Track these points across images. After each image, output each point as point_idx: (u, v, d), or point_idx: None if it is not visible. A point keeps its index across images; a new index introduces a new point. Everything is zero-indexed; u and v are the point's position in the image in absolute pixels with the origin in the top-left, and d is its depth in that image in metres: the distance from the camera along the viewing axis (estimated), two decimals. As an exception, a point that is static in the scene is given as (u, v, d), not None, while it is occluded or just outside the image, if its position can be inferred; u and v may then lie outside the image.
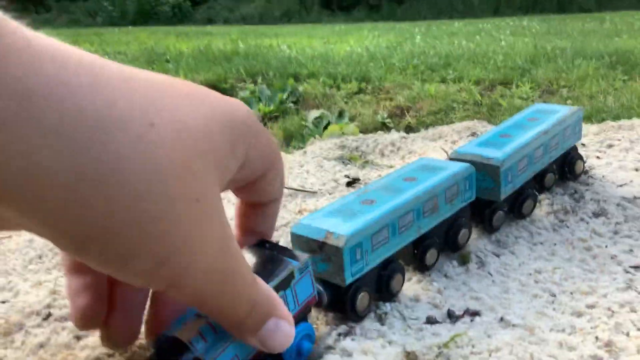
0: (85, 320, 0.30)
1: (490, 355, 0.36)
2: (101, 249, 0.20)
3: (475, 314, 0.41)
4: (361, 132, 1.38)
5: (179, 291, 0.24)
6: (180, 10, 6.87)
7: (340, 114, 1.64)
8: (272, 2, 6.95)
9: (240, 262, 0.26)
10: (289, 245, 0.40)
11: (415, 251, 0.45)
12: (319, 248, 0.38)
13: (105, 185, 0.19)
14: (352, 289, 0.39)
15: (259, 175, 0.29)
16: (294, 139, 1.37)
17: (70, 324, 0.40)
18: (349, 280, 0.38)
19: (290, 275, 0.34)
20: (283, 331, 0.28)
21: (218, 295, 0.25)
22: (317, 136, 1.27)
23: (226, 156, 0.24)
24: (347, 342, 0.36)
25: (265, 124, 1.44)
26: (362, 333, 0.38)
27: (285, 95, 1.71)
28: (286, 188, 0.67)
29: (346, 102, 1.84)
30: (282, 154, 0.89)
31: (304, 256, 0.35)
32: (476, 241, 0.50)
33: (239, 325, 0.27)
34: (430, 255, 0.46)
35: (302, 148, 1.00)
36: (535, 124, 0.55)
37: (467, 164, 0.48)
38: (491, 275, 0.46)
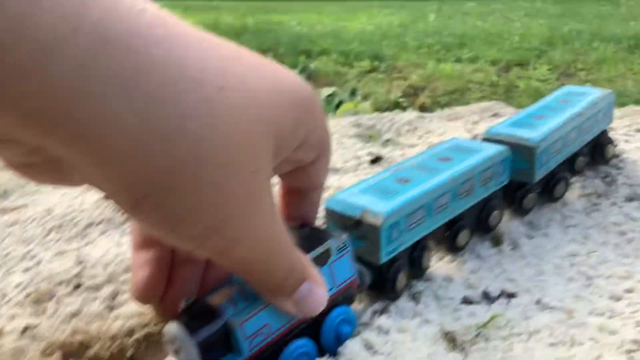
0: (143, 293, 0.29)
1: (530, 337, 0.35)
2: (156, 207, 0.20)
3: (511, 295, 0.40)
4: (375, 110, 1.36)
5: (225, 259, 0.24)
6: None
7: (353, 92, 1.62)
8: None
9: (283, 229, 0.26)
10: (322, 221, 0.39)
11: (447, 232, 0.44)
12: (353, 225, 0.37)
13: (170, 142, 0.19)
14: (393, 269, 0.38)
15: (311, 160, 0.29)
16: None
17: (101, 294, 0.40)
18: (383, 259, 0.37)
19: (327, 252, 0.33)
20: (316, 295, 0.28)
21: (262, 261, 0.25)
22: (330, 114, 1.25)
23: (287, 133, 0.24)
24: (382, 320, 0.36)
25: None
26: (397, 312, 0.38)
27: (296, 72, 1.70)
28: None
29: (359, 81, 1.82)
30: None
31: (342, 236, 0.34)
32: (508, 223, 0.50)
33: (275, 289, 0.28)
34: (463, 236, 0.45)
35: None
36: (567, 106, 0.54)
37: (503, 147, 0.47)
38: (525, 257, 0.45)
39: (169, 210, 0.20)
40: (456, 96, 1.61)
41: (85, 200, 0.61)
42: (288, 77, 0.25)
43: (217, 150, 0.20)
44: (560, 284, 0.41)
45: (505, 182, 0.47)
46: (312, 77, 1.90)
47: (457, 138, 0.50)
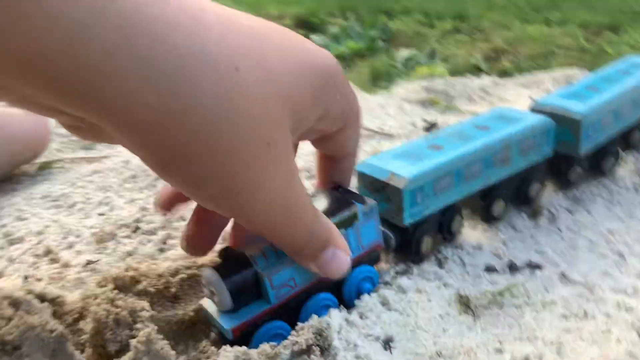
0: (189, 247, 0.33)
1: (544, 307, 0.36)
2: (178, 171, 0.23)
3: (536, 266, 0.41)
4: (452, 74, 1.34)
5: (243, 220, 0.26)
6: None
7: (432, 55, 1.59)
8: None
9: (302, 197, 0.28)
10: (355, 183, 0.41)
11: (482, 201, 0.45)
12: (381, 188, 0.39)
13: (186, 117, 0.21)
14: (418, 232, 0.40)
15: (337, 129, 0.30)
16: (381, 79, 1.36)
17: (155, 237, 0.44)
18: (407, 221, 0.39)
19: (353, 216, 0.35)
20: (339, 259, 0.30)
21: (280, 226, 0.27)
22: (404, 77, 1.25)
23: (306, 106, 0.26)
24: (403, 280, 0.38)
25: (353, 62, 1.43)
26: (420, 274, 0.40)
27: (375, 33, 1.68)
28: (363, 129, 0.68)
29: (439, 42, 1.79)
30: (365, 94, 0.89)
31: (370, 201, 0.36)
32: (551, 196, 0.50)
33: (298, 252, 0.30)
34: (498, 206, 0.46)
35: (387, 88, 1.00)
36: (626, 78, 0.52)
37: (546, 117, 0.46)
38: (560, 231, 0.45)
39: (189, 174, 0.23)
40: (540, 61, 1.54)
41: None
42: (310, 54, 0.26)
43: (231, 125, 0.22)
44: (590, 260, 0.41)
45: (549, 155, 0.47)
46: (391, 37, 1.88)
47: (502, 107, 0.50)
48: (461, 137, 0.44)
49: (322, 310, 0.35)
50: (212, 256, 0.35)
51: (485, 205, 0.45)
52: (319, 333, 0.30)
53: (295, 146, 0.34)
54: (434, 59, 1.58)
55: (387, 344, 0.33)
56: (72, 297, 0.34)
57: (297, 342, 0.29)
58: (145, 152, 0.22)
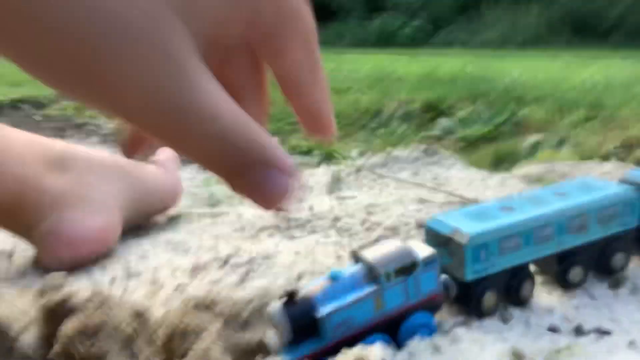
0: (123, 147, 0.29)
1: (602, 370, 0.35)
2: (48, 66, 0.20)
3: (604, 332, 0.40)
4: (580, 160, 1.31)
5: (134, 124, 0.23)
6: (423, 33, 7.07)
7: (561, 142, 1.57)
8: (517, 27, 6.75)
9: (205, 99, 0.23)
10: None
11: (559, 266, 0.45)
12: (445, 242, 0.41)
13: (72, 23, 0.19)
14: (480, 287, 0.42)
15: (279, 39, 0.25)
16: (504, 162, 1.36)
17: (240, 270, 0.50)
18: (469, 276, 0.40)
19: (413, 265, 0.38)
20: (275, 182, 0.23)
21: (176, 131, 0.22)
22: (528, 160, 1.24)
23: (216, 16, 0.23)
24: (460, 330, 0.39)
25: (478, 145, 1.45)
26: (480, 327, 0.41)
27: (503, 118, 1.69)
28: (451, 194, 0.70)
29: (571, 130, 1.75)
30: (473, 170, 0.91)
31: (431, 251, 0.39)
32: (638, 268, 0.48)
33: (218, 170, 0.23)
34: (575, 273, 0.45)
35: (508, 170, 1.00)
36: None
37: (631, 187, 0.46)
38: (642, 303, 0.44)
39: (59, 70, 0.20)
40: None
41: (263, 214, 0.73)
42: None
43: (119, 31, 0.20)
44: (667, 332, 0.40)
45: (632, 226, 0.46)
46: (520, 124, 1.88)
47: (589, 177, 0.50)
48: (535, 202, 0.45)
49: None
50: (280, 292, 0.39)
51: (562, 270, 0.45)
52: (359, 358, 0.33)
53: (254, 64, 0.27)
54: (563, 145, 1.55)
55: (430, 382, 0.34)
56: (158, 311, 0.40)
57: (336, 362, 0.32)
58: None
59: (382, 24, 7.25)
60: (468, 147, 1.48)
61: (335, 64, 3.15)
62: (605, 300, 0.44)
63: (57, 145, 0.69)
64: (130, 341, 0.32)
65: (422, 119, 1.73)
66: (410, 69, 2.75)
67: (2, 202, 0.59)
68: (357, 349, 0.34)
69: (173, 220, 0.78)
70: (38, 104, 1.81)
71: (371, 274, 0.38)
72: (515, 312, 0.43)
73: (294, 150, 1.37)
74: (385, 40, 6.83)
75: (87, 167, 0.69)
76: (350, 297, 0.36)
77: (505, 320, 0.42)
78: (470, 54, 4.27)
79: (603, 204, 0.45)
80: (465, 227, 0.41)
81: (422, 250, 0.39)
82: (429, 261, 0.38)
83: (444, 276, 0.42)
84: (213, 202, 0.89)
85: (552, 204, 0.44)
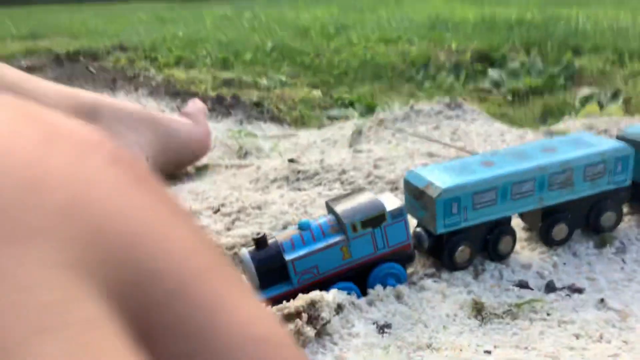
0: None
1: (559, 325, 0.36)
2: None
3: (576, 290, 0.40)
4: (629, 115, 1.26)
5: None
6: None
7: (615, 95, 1.50)
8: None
9: None
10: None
11: (542, 223, 0.45)
12: (419, 195, 0.42)
13: None
14: (452, 242, 0.42)
15: None
16: (552, 117, 1.31)
17: (227, 218, 0.52)
18: (440, 230, 0.41)
19: (381, 217, 0.39)
20: None
21: None
22: (574, 115, 1.20)
23: None
24: (427, 282, 0.40)
25: (527, 98, 1.41)
26: (448, 279, 0.41)
27: (557, 70, 1.63)
28: (461, 150, 0.69)
29: (626, 83, 1.67)
30: (508, 127, 0.89)
31: (399, 204, 0.40)
32: (630, 228, 0.47)
33: None
34: (558, 230, 0.45)
35: (553, 126, 0.97)
36: None
37: (623, 144, 0.45)
38: (624, 262, 0.43)
39: None
40: None
41: (278, 166, 0.76)
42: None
43: None
44: (640, 291, 0.39)
45: (624, 184, 0.45)
46: (574, 76, 1.80)
47: (584, 132, 0.49)
48: (519, 156, 0.44)
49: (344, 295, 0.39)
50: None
51: (545, 227, 0.45)
52: (312, 303, 0.34)
53: None
54: (617, 99, 1.48)
55: (383, 329, 0.36)
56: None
57: (287, 307, 0.34)
58: None
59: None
60: (517, 101, 1.44)
61: (389, 11, 3.07)
62: (587, 259, 0.44)
63: (88, 96, 0.73)
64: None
65: (472, 70, 1.69)
66: (467, 15, 2.65)
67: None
68: (313, 294, 0.35)
69: (201, 171, 0.82)
70: (94, 56, 1.89)
71: (338, 224, 0.39)
72: (489, 266, 0.43)
73: (337, 102, 1.37)
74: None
75: (116, 117, 0.72)
76: (317, 245, 0.38)
77: (477, 275, 0.43)
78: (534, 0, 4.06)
79: (591, 161, 0.44)
80: (438, 181, 0.41)
81: (391, 202, 0.40)
82: (396, 213, 0.39)
83: (417, 229, 0.43)
84: (241, 154, 0.92)
85: (535, 159, 0.43)
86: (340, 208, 0.39)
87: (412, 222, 0.44)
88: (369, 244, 0.39)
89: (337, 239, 0.39)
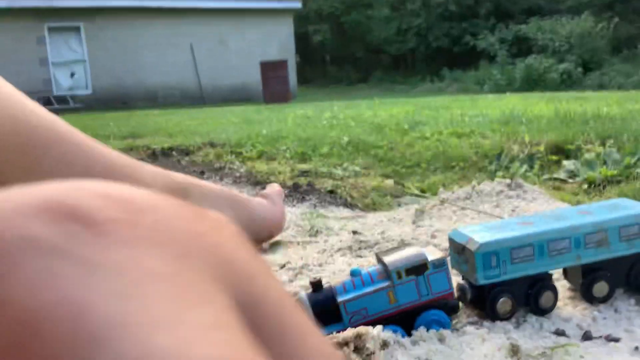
0: None
1: (589, 366, 0.38)
2: None
3: (613, 340, 0.42)
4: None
5: None
6: (570, 77, 6.77)
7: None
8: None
9: None
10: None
11: (583, 281, 0.48)
12: (461, 250, 0.47)
13: None
14: (494, 292, 0.46)
15: None
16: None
17: (291, 272, 0.58)
18: (480, 281, 0.45)
19: (424, 266, 0.44)
20: None
21: None
22: None
23: None
24: (469, 328, 0.44)
25: (603, 188, 1.41)
26: (491, 327, 0.45)
27: (634, 160, 1.62)
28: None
29: None
30: (569, 205, 0.91)
31: (440, 255, 0.45)
32: (674, 288, 0.49)
33: None
34: (599, 288, 0.48)
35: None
36: None
37: (659, 207, 0.48)
38: (665, 318, 0.45)
39: None
40: None
41: (345, 239, 0.81)
42: None
43: None
44: (676, 341, 0.41)
45: (663, 245, 0.47)
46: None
47: (623, 199, 0.52)
48: (556, 218, 0.48)
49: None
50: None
51: (586, 284, 0.48)
52: (359, 335, 0.39)
53: None
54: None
55: (423, 363, 0.40)
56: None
57: (336, 337, 0.39)
58: None
59: (528, 67, 7.09)
60: (592, 190, 1.44)
61: (463, 109, 3.16)
62: (627, 314, 0.46)
63: (179, 177, 0.83)
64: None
65: (546, 161, 1.71)
66: (542, 110, 2.69)
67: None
68: (360, 328, 0.40)
69: (274, 246, 0.89)
70: (186, 151, 2.08)
71: (385, 271, 0.44)
72: (531, 319, 0.46)
73: (408, 191, 1.43)
74: (532, 84, 6.65)
75: (202, 196, 0.82)
76: (366, 289, 0.43)
77: (518, 325, 0.46)
78: (614, 97, 4.04)
79: (625, 222, 0.47)
80: (477, 237, 0.46)
81: (434, 254, 0.45)
82: (438, 263, 0.44)
83: (460, 282, 0.47)
84: (313, 233, 0.99)
85: (569, 220, 0.47)
86: (387, 258, 0.45)
87: (458, 277, 0.48)
88: (413, 291, 0.44)
89: (383, 284, 0.44)
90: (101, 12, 10.27)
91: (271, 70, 7.99)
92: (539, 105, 3.17)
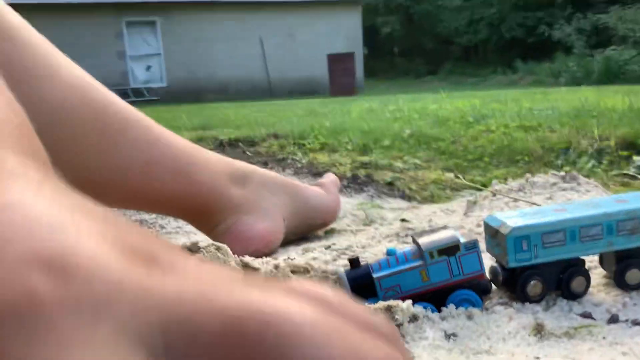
0: None
1: (610, 345, 0.40)
2: None
3: (639, 324, 0.43)
4: None
5: None
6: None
7: None
8: None
9: None
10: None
11: (616, 267, 0.49)
12: (495, 234, 0.49)
13: None
14: (525, 275, 0.48)
15: None
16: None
17: (334, 252, 0.62)
18: (511, 263, 0.47)
19: (456, 247, 0.47)
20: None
21: None
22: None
23: None
24: (498, 307, 0.47)
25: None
26: (519, 308, 0.47)
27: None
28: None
29: None
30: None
31: (472, 238, 0.47)
32: None
33: None
34: (632, 275, 0.49)
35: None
36: None
37: (697, 197, 0.48)
38: (697, 306, 0.46)
39: None
40: None
41: (395, 227, 0.84)
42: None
43: None
44: (703, 327, 0.42)
45: (700, 235, 0.48)
46: None
47: (664, 190, 0.52)
48: (591, 206, 0.50)
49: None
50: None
51: (619, 271, 0.49)
52: (389, 308, 0.43)
53: None
54: None
55: (450, 336, 0.43)
56: (264, 268, 0.54)
57: (368, 307, 0.43)
58: None
59: (607, 59, 6.78)
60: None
61: (533, 102, 3.09)
62: (660, 301, 0.47)
63: (241, 164, 0.89)
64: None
65: (616, 157, 1.66)
66: (616, 104, 2.59)
67: (195, 204, 0.79)
68: (390, 301, 0.44)
69: (328, 233, 0.93)
70: (251, 142, 2.16)
71: (419, 251, 0.47)
72: (561, 302, 0.48)
73: (469, 184, 1.44)
74: (611, 77, 6.36)
75: (261, 183, 0.87)
76: (400, 267, 0.47)
77: (547, 307, 0.48)
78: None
79: (660, 211, 0.48)
80: (510, 221, 0.48)
81: (467, 236, 0.47)
82: (470, 246, 0.47)
83: (493, 264, 0.50)
84: (367, 223, 1.03)
85: (604, 208, 0.49)
86: (421, 239, 0.48)
87: (493, 261, 0.50)
88: (445, 270, 0.47)
89: (416, 263, 0.47)
90: (176, 7, 10.66)
91: (338, 62, 8.03)
92: (614, 98, 3.05)
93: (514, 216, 0.50)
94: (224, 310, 0.14)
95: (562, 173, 0.91)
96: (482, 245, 0.57)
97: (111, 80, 9.83)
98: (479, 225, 0.71)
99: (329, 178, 1.02)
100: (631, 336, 0.41)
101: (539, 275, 0.48)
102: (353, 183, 1.42)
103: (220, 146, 2.13)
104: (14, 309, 0.12)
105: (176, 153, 0.77)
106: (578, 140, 1.84)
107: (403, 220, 0.78)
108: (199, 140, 2.26)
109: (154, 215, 0.96)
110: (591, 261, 0.55)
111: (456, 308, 0.46)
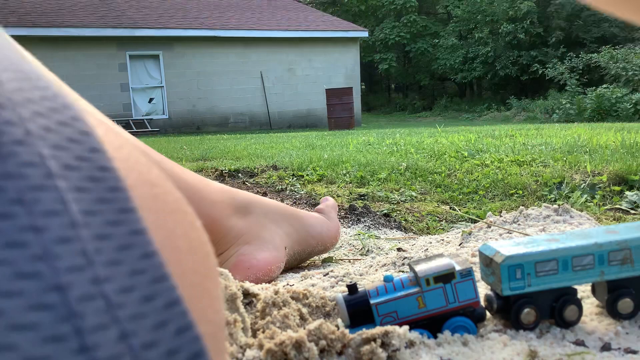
0: None
1: (602, 372, 0.41)
2: None
3: (631, 352, 0.45)
4: None
5: None
6: (645, 106, 6.50)
7: None
8: None
9: None
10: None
11: (608, 297, 0.50)
12: (489, 263, 0.50)
13: None
14: (519, 303, 0.49)
15: None
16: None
17: (333, 279, 0.63)
18: (505, 292, 0.49)
19: (451, 274, 0.48)
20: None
21: None
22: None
23: None
24: (493, 334, 0.48)
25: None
26: (513, 335, 0.48)
27: None
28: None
29: None
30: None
31: (467, 266, 0.49)
32: (701, 309, 0.50)
33: None
34: (623, 304, 0.50)
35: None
36: None
37: (684, 228, 0.50)
38: (687, 335, 0.47)
39: None
40: None
41: (392, 257, 0.86)
42: None
43: None
44: (692, 355, 0.43)
45: (688, 265, 0.49)
46: None
47: (656, 223, 0.54)
48: (581, 236, 0.51)
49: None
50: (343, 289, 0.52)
51: (611, 300, 0.50)
52: (386, 333, 0.44)
53: None
54: None
55: (445, 361, 0.44)
56: (263, 294, 0.55)
57: (365, 332, 0.44)
58: None
59: (599, 97, 6.87)
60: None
61: (527, 137, 3.13)
62: (650, 330, 0.48)
63: (243, 194, 0.90)
64: (235, 302, 0.48)
65: (608, 192, 1.68)
66: (608, 140, 2.62)
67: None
68: (387, 326, 0.45)
69: (326, 262, 0.94)
70: (251, 173, 2.18)
71: (416, 279, 0.49)
72: (554, 330, 0.49)
73: (464, 216, 1.45)
74: (603, 115, 6.45)
75: (264, 212, 0.88)
76: (397, 294, 0.48)
77: (541, 334, 0.49)
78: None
79: (649, 242, 0.49)
80: (504, 250, 0.50)
81: (462, 264, 0.49)
82: (465, 273, 0.48)
83: (488, 292, 0.51)
84: (364, 252, 1.04)
85: (594, 238, 0.50)
86: (418, 267, 0.49)
87: (488, 289, 0.51)
88: (441, 297, 0.48)
89: (413, 290, 0.48)
90: (179, 41, 10.82)
91: (336, 97, 8.13)
92: (606, 135, 3.09)
93: (507, 245, 0.51)
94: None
95: (555, 206, 0.92)
96: (477, 274, 0.59)
97: (114, 112, 9.91)
98: (474, 255, 0.73)
99: (328, 202, 1.03)
100: (622, 363, 0.42)
101: (532, 304, 0.49)
102: (350, 214, 1.43)
103: (221, 177, 2.15)
104: None
105: (182, 184, 0.78)
106: (571, 175, 1.87)
107: (399, 249, 0.79)
108: (199, 171, 2.28)
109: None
110: (583, 290, 0.56)
111: (452, 334, 0.47)
